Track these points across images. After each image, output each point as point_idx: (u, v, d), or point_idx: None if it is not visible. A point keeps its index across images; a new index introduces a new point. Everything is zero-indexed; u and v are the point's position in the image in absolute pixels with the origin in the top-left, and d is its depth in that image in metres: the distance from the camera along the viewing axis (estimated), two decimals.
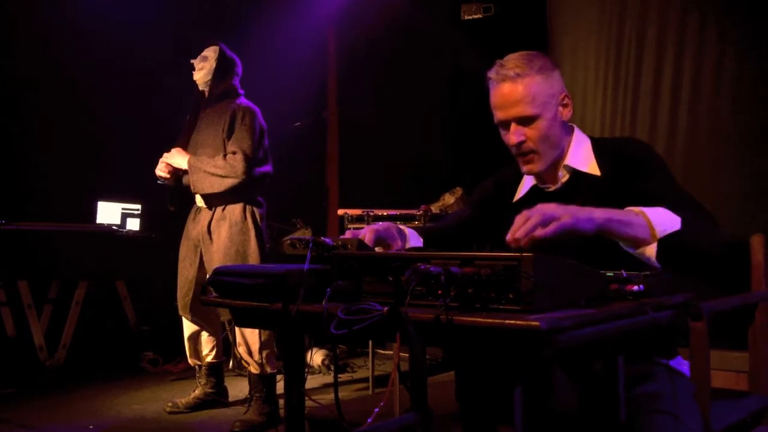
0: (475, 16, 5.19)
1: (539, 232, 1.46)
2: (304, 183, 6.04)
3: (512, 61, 1.83)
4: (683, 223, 1.60)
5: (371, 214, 3.77)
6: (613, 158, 1.84)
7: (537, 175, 1.95)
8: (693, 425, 1.54)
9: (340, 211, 4.02)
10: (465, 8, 5.28)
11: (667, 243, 1.58)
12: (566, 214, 1.49)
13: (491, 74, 1.85)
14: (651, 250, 1.59)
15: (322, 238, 1.62)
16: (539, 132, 1.84)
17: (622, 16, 4.61)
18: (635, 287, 1.39)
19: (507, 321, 1.11)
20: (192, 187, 3.64)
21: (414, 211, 3.80)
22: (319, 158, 6.45)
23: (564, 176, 1.89)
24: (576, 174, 1.88)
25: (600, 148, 1.89)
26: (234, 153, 3.57)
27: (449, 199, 4.16)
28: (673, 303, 1.49)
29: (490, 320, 1.14)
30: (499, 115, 1.86)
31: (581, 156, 1.88)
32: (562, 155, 1.89)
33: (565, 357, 1.21)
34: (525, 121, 1.83)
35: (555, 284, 1.20)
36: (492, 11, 5.16)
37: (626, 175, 1.79)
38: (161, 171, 3.72)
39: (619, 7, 4.62)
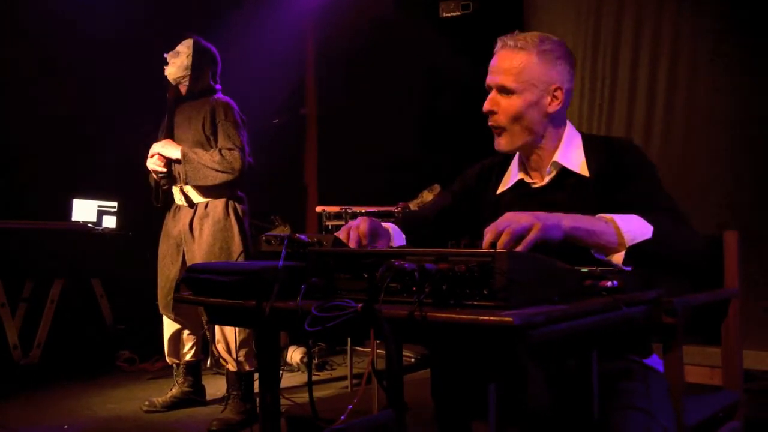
0: (454, 14, 5.20)
1: (511, 248, 1.45)
2: (283, 180, 6.01)
3: (525, 35, 1.84)
4: (655, 232, 1.60)
5: (349, 211, 3.77)
6: (604, 160, 1.82)
7: (523, 168, 1.94)
8: (666, 421, 1.55)
9: (318, 209, 4.02)
10: (443, 6, 5.29)
11: (636, 251, 1.59)
12: (536, 224, 1.47)
13: (499, 39, 1.86)
14: (618, 258, 1.59)
15: (297, 234, 1.62)
16: (512, 108, 1.82)
17: (598, 11, 4.64)
18: (609, 283, 1.40)
19: (480, 317, 1.11)
20: (183, 177, 3.60)
21: (392, 208, 3.80)
22: (297, 155, 6.43)
23: (551, 172, 1.87)
24: (564, 171, 1.85)
25: (591, 147, 1.87)
26: (231, 149, 3.56)
27: (427, 196, 4.16)
28: (646, 299, 1.51)
29: (463, 316, 1.14)
30: (487, 78, 1.86)
31: (572, 154, 1.86)
32: (552, 150, 1.87)
33: (539, 353, 1.21)
34: (503, 91, 1.83)
35: (528, 280, 1.21)
36: (470, 9, 5.17)
37: (615, 179, 1.78)
38: (156, 164, 3.66)
39: (595, 2, 4.65)
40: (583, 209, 1.66)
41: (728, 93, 4.08)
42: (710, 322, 2.04)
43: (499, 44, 1.85)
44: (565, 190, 1.84)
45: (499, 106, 1.84)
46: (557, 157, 1.86)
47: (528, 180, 1.93)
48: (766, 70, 3.96)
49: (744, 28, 4.04)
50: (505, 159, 2.01)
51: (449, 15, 5.22)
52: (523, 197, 1.91)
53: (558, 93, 1.83)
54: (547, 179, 1.88)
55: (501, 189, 1.98)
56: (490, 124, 1.88)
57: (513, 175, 1.96)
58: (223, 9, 5.52)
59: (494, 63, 1.85)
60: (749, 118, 4.02)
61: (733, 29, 4.08)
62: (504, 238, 1.45)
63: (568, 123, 1.92)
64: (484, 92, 1.88)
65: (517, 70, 1.80)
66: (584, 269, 1.44)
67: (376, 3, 5.67)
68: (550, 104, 1.83)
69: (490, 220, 1.75)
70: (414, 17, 5.64)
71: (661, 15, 4.33)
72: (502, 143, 1.88)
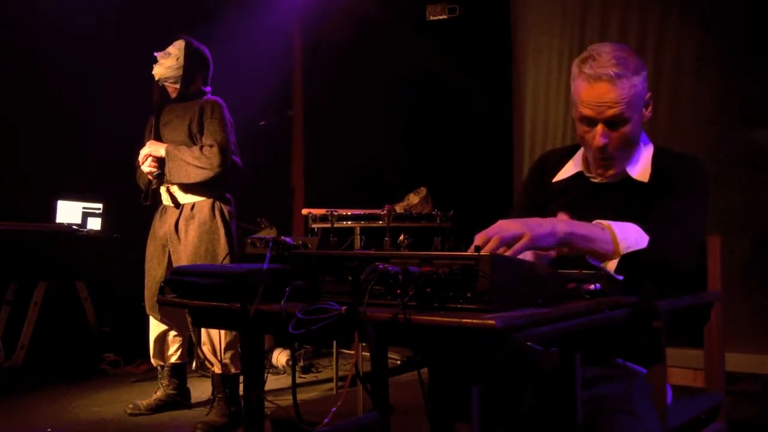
0: (440, 17, 5.21)
1: (501, 252, 1.46)
2: (270, 182, 6.00)
3: (608, 56, 1.77)
4: (650, 241, 1.61)
5: (335, 213, 3.76)
6: (664, 171, 1.84)
7: (586, 164, 1.95)
8: (651, 424, 1.56)
9: (305, 211, 4.00)
10: (430, 9, 5.30)
11: (631, 259, 1.60)
12: (526, 231, 1.48)
13: (586, 68, 1.78)
14: (612, 265, 1.60)
15: (282, 237, 1.62)
16: (625, 136, 1.80)
17: (584, 17, 4.67)
18: (592, 286, 1.41)
19: (463, 320, 1.12)
20: (167, 175, 3.59)
21: (378, 211, 3.79)
22: (284, 157, 6.42)
23: (618, 176, 1.89)
24: (626, 175, 1.87)
25: (659, 158, 1.88)
26: (211, 146, 3.56)
27: (414, 198, 4.15)
28: (629, 302, 1.52)
29: (446, 319, 1.14)
30: (587, 112, 1.80)
31: (640, 161, 1.88)
32: None
33: (522, 355, 1.22)
34: (616, 124, 1.79)
35: (511, 283, 1.21)
36: (457, 12, 5.18)
37: (665, 187, 1.80)
38: (150, 167, 3.64)
39: (581, 8, 4.67)
40: (634, 213, 1.69)
41: (711, 94, 4.11)
42: (692, 324, 2.05)
43: (590, 74, 1.77)
44: (620, 192, 1.86)
45: (610, 137, 1.80)
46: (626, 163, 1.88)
47: (588, 174, 1.95)
48: (748, 72, 3.99)
49: (727, 30, 4.07)
50: (569, 150, 2.04)
51: (436, 18, 5.23)
52: (577, 188, 1.94)
53: (650, 100, 1.85)
54: (607, 179, 1.90)
55: (558, 177, 2.00)
56: (602, 157, 1.84)
57: (574, 166, 1.98)
58: (210, 9, 5.50)
59: (595, 97, 1.77)
60: (731, 118, 4.05)
61: (717, 31, 4.11)
62: (491, 244, 1.45)
63: (641, 130, 1.92)
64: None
65: (628, 99, 1.76)
66: (568, 272, 1.45)
67: (364, 6, 5.67)
68: (645, 114, 1.85)
69: (543, 204, 1.78)
70: (401, 20, 5.64)
71: (646, 17, 4.37)
72: (611, 172, 1.87)
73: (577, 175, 1.96)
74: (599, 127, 1.80)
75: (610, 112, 1.77)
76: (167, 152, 3.58)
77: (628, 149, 1.85)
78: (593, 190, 1.92)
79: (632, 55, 1.81)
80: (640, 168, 1.87)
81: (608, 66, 1.76)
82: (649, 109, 1.86)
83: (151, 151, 3.63)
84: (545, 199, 1.98)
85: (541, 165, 2.10)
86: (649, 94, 1.85)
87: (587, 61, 1.79)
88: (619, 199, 1.84)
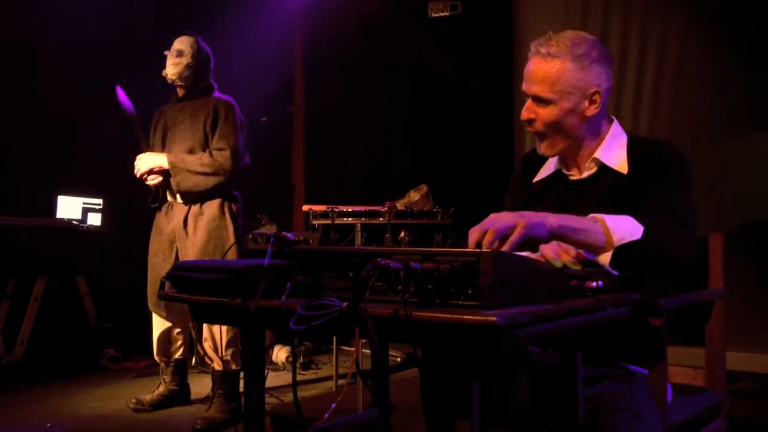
0: (442, 14, 5.20)
1: (496, 247, 1.45)
2: (270, 179, 5.99)
3: (557, 38, 1.79)
4: (645, 232, 1.61)
5: (336, 210, 3.75)
6: (643, 159, 1.83)
7: (563, 162, 1.95)
8: (653, 422, 1.56)
9: (305, 207, 3.99)
10: (432, 6, 5.30)
11: (625, 251, 1.59)
12: (519, 222, 1.48)
13: (533, 43, 1.82)
14: (605, 258, 1.60)
15: (283, 233, 1.61)
16: (549, 117, 1.82)
17: (586, 14, 4.66)
18: (594, 284, 1.40)
19: (465, 316, 1.11)
20: (176, 187, 3.59)
21: (379, 208, 3.79)
22: (285, 154, 6.42)
23: (591, 168, 1.89)
24: (603, 168, 1.87)
25: (635, 147, 1.87)
26: (221, 150, 3.55)
27: (414, 195, 4.15)
28: (631, 300, 1.51)
29: (448, 315, 1.14)
30: (523, 85, 1.85)
31: (614, 152, 1.87)
32: (593, 147, 1.88)
33: (524, 353, 1.21)
34: (539, 101, 1.82)
35: (513, 280, 1.21)
36: (459, 9, 5.18)
37: (648, 176, 1.79)
38: (152, 181, 3.64)
39: (583, 4, 4.66)
40: (616, 204, 1.70)
41: (712, 93, 4.11)
42: (693, 322, 2.05)
43: (532, 50, 1.82)
44: (601, 186, 1.86)
45: (536, 114, 1.83)
46: (598, 154, 1.87)
47: (566, 172, 1.95)
48: (750, 71, 3.98)
49: (729, 29, 4.07)
50: None
51: (438, 15, 5.22)
52: (557, 187, 1.95)
53: (596, 97, 1.82)
54: (585, 174, 1.90)
55: (538, 177, 2.01)
56: (529, 129, 1.88)
57: (551, 166, 1.99)
58: (211, 6, 5.49)
59: (526, 71, 1.83)
60: (732, 117, 4.05)
61: (720, 29, 4.10)
62: (488, 237, 1.45)
63: (615, 122, 1.92)
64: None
65: (552, 79, 1.77)
66: (570, 270, 1.45)
67: (365, 2, 5.67)
68: (588, 109, 1.82)
69: (527, 205, 1.81)
70: (402, 17, 5.64)
71: (648, 16, 4.36)
72: (543, 147, 1.89)
73: (556, 174, 1.97)
74: (527, 102, 1.85)
75: (534, 88, 1.81)
76: (171, 165, 3.56)
77: (555, 132, 1.84)
78: (573, 187, 1.92)
79: (588, 46, 1.80)
80: (617, 159, 1.86)
81: (550, 45, 1.78)
82: (595, 105, 1.82)
83: (152, 165, 3.61)
84: (528, 199, 1.99)
85: (523, 166, 2.11)
86: (594, 90, 1.80)
87: (540, 38, 1.83)
88: (600, 193, 1.84)
